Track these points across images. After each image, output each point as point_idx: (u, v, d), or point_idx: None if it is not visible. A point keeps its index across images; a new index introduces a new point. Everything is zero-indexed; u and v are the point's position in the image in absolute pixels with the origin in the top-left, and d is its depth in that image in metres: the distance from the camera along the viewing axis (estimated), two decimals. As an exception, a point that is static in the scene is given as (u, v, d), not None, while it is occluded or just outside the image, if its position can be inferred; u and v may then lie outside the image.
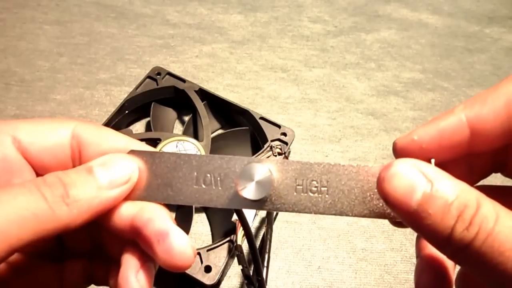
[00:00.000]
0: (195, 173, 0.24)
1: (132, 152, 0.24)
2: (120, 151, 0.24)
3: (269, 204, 0.23)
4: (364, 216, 0.23)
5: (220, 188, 0.24)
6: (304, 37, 0.66)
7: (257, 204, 0.23)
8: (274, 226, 0.50)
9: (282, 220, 0.50)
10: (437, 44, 0.67)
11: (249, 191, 0.22)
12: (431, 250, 0.26)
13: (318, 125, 0.58)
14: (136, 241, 0.23)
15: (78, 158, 0.24)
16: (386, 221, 0.54)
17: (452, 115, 0.22)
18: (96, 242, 0.27)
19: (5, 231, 0.19)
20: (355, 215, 0.23)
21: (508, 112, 0.21)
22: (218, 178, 0.24)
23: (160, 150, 0.47)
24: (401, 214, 0.20)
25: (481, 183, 0.26)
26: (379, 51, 0.65)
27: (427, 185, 0.19)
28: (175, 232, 0.22)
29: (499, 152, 0.24)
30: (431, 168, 0.20)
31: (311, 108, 0.59)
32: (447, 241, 0.19)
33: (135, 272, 0.22)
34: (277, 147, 0.49)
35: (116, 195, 0.22)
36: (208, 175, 0.24)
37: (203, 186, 0.24)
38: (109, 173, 0.22)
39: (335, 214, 0.23)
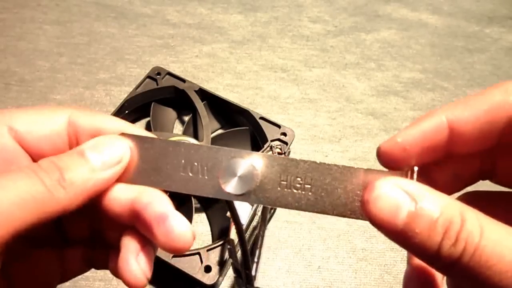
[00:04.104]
0: (183, 161, 0.24)
1: (123, 134, 0.24)
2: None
3: (252, 197, 0.23)
4: (345, 216, 0.23)
5: (206, 177, 0.24)
6: (304, 37, 0.66)
7: (240, 197, 0.23)
8: (274, 226, 0.50)
9: (282, 220, 0.50)
10: (437, 44, 0.67)
11: (231, 186, 0.23)
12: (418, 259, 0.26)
13: (318, 125, 0.58)
14: (135, 226, 0.23)
15: (75, 145, 0.24)
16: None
17: (434, 116, 0.23)
18: (95, 228, 0.27)
19: (9, 214, 0.20)
20: (336, 215, 0.23)
21: (487, 118, 0.22)
22: (205, 168, 0.24)
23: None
24: (388, 234, 0.20)
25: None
26: (379, 51, 0.65)
27: (411, 203, 0.19)
28: (175, 214, 0.22)
29: (486, 160, 0.25)
30: (413, 185, 0.20)
31: (311, 108, 0.59)
32: (435, 257, 0.19)
33: (135, 256, 0.23)
34: (277, 147, 0.49)
35: (109, 175, 0.23)
36: (196, 163, 0.24)
37: (190, 174, 0.24)
38: (101, 154, 0.23)
39: (316, 212, 0.23)
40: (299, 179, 0.23)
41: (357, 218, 0.23)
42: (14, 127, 0.23)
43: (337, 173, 0.23)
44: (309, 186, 0.23)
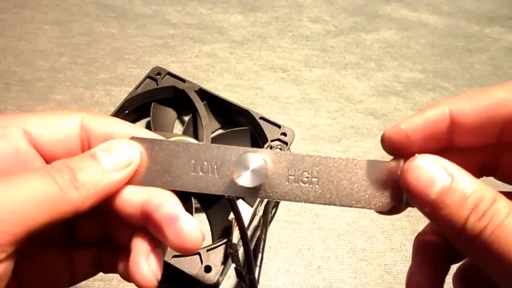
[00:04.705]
0: (193, 161, 0.25)
1: (133, 138, 0.25)
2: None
3: (262, 192, 0.24)
4: (351, 206, 0.24)
5: (216, 175, 0.25)
6: (304, 37, 0.66)
7: (251, 191, 0.24)
8: (274, 226, 0.50)
9: (282, 220, 0.50)
10: (437, 44, 0.67)
11: (245, 179, 0.24)
12: (425, 255, 0.26)
13: (318, 125, 0.58)
14: (146, 227, 0.24)
15: (87, 148, 0.25)
16: (386, 221, 0.54)
17: (437, 106, 0.23)
18: (104, 230, 0.27)
19: (23, 212, 0.20)
20: (343, 205, 0.24)
21: (488, 114, 0.22)
22: (215, 166, 0.25)
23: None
24: (420, 203, 0.21)
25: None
26: (379, 51, 0.65)
27: (447, 178, 0.20)
28: (185, 216, 0.23)
29: (489, 156, 0.25)
30: (452, 165, 0.21)
31: (311, 108, 0.59)
32: (460, 232, 0.20)
33: (146, 257, 0.23)
34: (277, 147, 0.49)
35: (119, 178, 0.23)
36: (205, 163, 0.25)
37: (200, 174, 0.25)
38: (112, 157, 0.23)
39: (324, 204, 0.24)
40: (306, 173, 0.24)
41: (362, 207, 0.24)
42: (28, 130, 0.24)
43: (342, 166, 0.24)
44: (315, 179, 0.24)
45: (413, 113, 0.24)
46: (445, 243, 0.26)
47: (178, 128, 0.56)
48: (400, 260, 0.49)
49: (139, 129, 0.26)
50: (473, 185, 0.20)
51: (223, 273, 0.44)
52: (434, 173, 0.21)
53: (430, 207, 0.20)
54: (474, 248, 0.20)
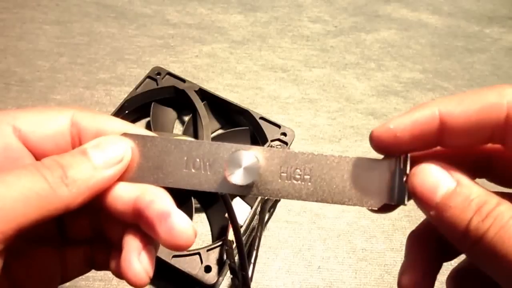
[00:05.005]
0: (185, 158, 0.25)
1: (125, 134, 0.25)
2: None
3: (254, 190, 0.24)
4: (343, 203, 0.24)
5: (209, 172, 0.25)
6: (304, 37, 0.66)
7: (243, 189, 0.24)
8: (274, 226, 0.50)
9: (282, 220, 0.50)
10: (437, 44, 0.67)
11: (237, 177, 0.23)
12: (418, 253, 0.27)
13: (318, 125, 0.58)
14: (138, 224, 0.24)
15: (78, 145, 0.25)
16: (386, 221, 0.54)
17: (427, 107, 0.23)
18: (96, 228, 0.27)
19: (13, 210, 0.20)
20: (335, 203, 0.24)
21: (478, 117, 0.22)
22: (207, 163, 0.25)
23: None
24: (425, 206, 0.21)
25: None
26: (379, 51, 0.65)
27: (452, 183, 0.21)
28: (176, 212, 0.23)
29: (480, 158, 0.25)
30: (458, 172, 0.22)
31: (311, 108, 0.59)
32: (463, 234, 0.20)
33: (137, 254, 0.23)
34: (277, 147, 0.49)
35: (111, 174, 0.23)
36: (198, 159, 0.25)
37: (193, 170, 0.25)
38: (103, 153, 0.23)
39: (316, 201, 0.24)
40: (298, 170, 0.24)
41: (354, 205, 0.24)
42: (18, 126, 0.24)
43: (334, 163, 0.24)
44: (308, 176, 0.24)
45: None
46: (438, 241, 0.26)
47: (178, 128, 0.56)
48: (400, 260, 0.48)
49: (131, 125, 0.26)
50: (478, 190, 0.21)
51: (223, 273, 0.44)
52: (439, 177, 0.21)
53: (434, 210, 0.21)
54: (477, 250, 0.20)
